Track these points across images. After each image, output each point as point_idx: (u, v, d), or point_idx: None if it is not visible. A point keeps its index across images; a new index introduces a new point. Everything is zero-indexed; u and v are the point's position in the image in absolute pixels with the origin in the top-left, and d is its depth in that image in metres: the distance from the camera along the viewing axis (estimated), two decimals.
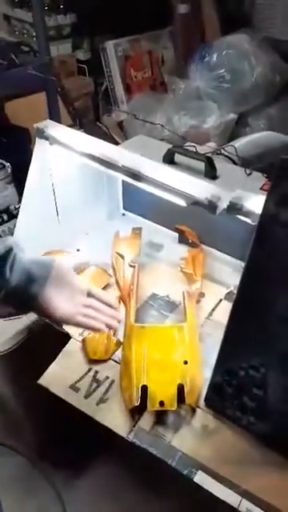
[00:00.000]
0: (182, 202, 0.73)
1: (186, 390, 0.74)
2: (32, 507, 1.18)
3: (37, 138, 0.89)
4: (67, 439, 1.25)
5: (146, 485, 1.20)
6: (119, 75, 2.27)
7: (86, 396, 0.78)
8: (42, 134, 0.87)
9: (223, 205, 0.70)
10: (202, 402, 0.76)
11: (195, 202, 0.70)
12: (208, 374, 0.76)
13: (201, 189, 0.72)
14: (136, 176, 0.78)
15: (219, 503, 0.64)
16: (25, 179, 0.96)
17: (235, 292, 0.95)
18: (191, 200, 0.71)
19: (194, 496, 0.72)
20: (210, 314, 0.92)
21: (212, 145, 1.37)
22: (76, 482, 1.23)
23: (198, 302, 0.93)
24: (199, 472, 0.67)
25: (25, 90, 1.70)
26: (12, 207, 1.35)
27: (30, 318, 0.95)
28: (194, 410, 0.75)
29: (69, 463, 1.25)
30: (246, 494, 0.65)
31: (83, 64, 2.26)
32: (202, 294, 0.95)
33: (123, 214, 1.21)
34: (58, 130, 0.87)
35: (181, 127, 1.94)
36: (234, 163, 1.17)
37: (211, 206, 0.69)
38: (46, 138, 0.87)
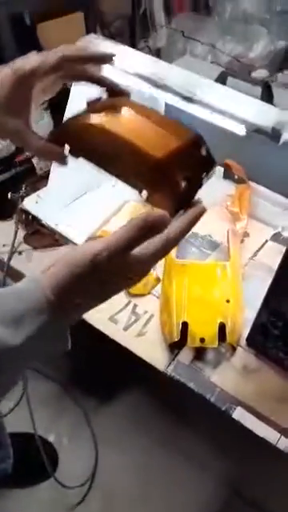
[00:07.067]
0: (240, 130, 0.66)
1: (227, 328, 0.72)
2: (62, 426, 1.26)
3: None
4: (101, 369, 1.29)
5: (178, 418, 1.23)
6: None
7: (125, 328, 0.77)
8: None
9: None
10: (243, 342, 0.74)
11: (256, 130, 0.63)
12: (249, 314, 0.73)
13: (263, 114, 0.64)
14: (187, 98, 0.71)
15: (256, 440, 0.65)
16: (59, 107, 0.89)
17: (283, 234, 0.92)
18: (252, 127, 0.64)
19: (229, 432, 0.73)
20: (255, 254, 0.88)
21: (263, 71, 1.25)
22: (106, 409, 1.28)
23: (241, 241, 0.89)
24: (238, 408, 0.67)
25: (60, 8, 1.56)
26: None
27: None
28: (234, 349, 0.74)
29: (101, 391, 1.30)
30: (285, 432, 0.65)
31: None
32: (246, 234, 0.90)
33: None
34: (104, 46, 0.79)
35: (225, 54, 1.77)
36: None
37: (274, 134, 0.62)
38: None
